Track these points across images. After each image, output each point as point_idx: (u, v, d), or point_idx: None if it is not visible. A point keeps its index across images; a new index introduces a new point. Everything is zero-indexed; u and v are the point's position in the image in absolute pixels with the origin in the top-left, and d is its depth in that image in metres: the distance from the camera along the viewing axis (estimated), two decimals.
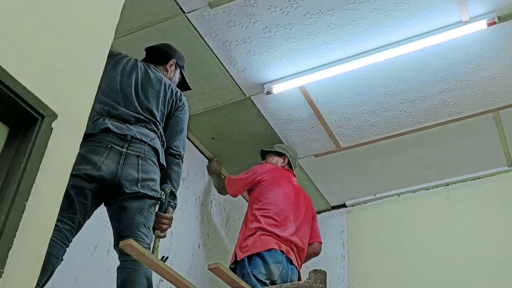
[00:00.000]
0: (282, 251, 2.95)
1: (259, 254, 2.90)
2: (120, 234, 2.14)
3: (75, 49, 1.62)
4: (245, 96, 3.31)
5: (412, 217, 3.89)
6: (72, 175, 2.02)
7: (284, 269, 2.92)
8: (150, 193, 2.19)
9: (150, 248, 2.17)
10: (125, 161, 2.17)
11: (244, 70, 3.13)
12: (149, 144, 2.27)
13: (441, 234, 3.70)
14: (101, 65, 1.74)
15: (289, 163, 3.47)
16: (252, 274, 2.84)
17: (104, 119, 2.23)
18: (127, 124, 2.28)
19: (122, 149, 2.18)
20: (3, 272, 1.23)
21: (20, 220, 1.31)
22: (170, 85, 2.56)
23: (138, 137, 2.25)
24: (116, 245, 2.17)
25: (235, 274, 2.78)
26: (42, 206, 1.39)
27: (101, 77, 1.73)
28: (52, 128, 1.45)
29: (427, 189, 3.94)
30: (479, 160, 3.70)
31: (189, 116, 3.51)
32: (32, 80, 1.42)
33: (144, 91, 2.44)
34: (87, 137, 2.13)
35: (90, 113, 1.67)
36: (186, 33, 2.90)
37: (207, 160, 3.77)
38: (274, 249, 2.93)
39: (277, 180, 3.26)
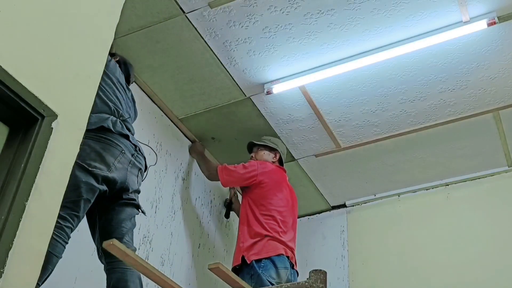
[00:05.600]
0: (288, 257, 3.04)
1: (269, 258, 2.97)
2: (107, 235, 2.17)
3: (75, 49, 1.62)
4: (245, 96, 3.31)
5: (412, 217, 3.88)
6: (87, 171, 2.04)
7: (289, 274, 3.00)
8: (139, 203, 2.32)
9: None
10: (131, 169, 2.26)
11: (244, 70, 3.13)
12: (145, 161, 2.40)
13: (441, 234, 3.70)
14: (101, 65, 1.74)
15: (280, 159, 3.45)
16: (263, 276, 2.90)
17: (121, 123, 2.29)
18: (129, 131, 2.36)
19: (131, 158, 2.27)
20: (3, 272, 1.23)
21: (20, 220, 1.31)
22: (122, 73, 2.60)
23: (141, 151, 2.36)
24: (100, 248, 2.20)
25: (238, 275, 2.80)
26: (42, 206, 1.39)
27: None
28: (52, 128, 1.45)
29: (427, 189, 3.93)
30: (479, 160, 3.69)
31: (189, 116, 3.52)
32: (32, 80, 1.42)
33: (121, 90, 2.48)
34: (104, 131, 2.18)
35: (93, 109, 1.67)
36: (186, 33, 2.90)
37: None
38: (282, 254, 3.01)
39: (278, 184, 3.28)
